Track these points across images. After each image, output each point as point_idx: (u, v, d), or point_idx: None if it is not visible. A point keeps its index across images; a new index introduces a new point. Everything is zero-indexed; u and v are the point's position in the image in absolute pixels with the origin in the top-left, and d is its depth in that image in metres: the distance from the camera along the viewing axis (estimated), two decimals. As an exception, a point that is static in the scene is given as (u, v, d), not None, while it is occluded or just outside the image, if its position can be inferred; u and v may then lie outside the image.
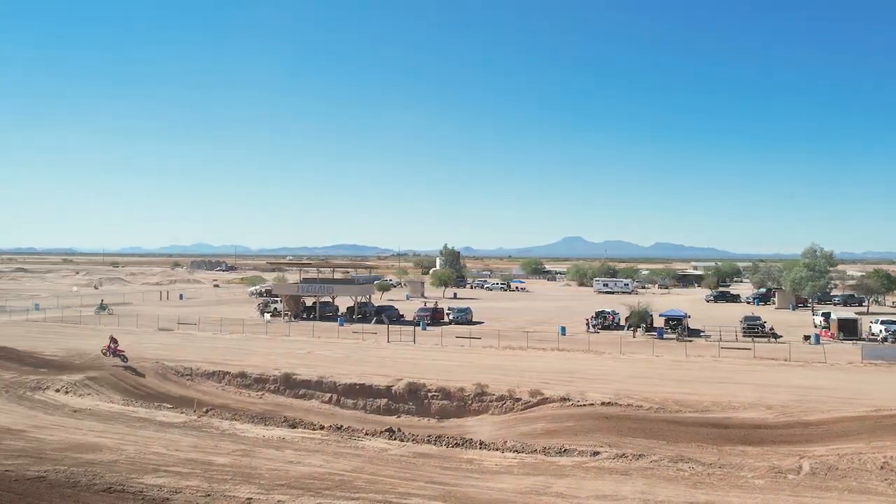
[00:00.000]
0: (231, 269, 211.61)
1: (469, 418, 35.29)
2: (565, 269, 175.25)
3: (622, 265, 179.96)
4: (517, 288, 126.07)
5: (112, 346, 44.34)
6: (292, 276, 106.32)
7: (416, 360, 45.44)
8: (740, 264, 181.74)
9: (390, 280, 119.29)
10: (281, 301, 72.87)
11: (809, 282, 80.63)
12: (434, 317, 65.93)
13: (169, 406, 32.86)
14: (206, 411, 31.53)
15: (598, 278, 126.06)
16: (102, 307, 73.07)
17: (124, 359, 43.05)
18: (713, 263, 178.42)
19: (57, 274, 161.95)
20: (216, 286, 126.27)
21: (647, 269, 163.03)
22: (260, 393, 39.24)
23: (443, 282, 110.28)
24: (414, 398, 36.78)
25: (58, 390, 35.10)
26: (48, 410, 31.66)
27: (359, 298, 70.22)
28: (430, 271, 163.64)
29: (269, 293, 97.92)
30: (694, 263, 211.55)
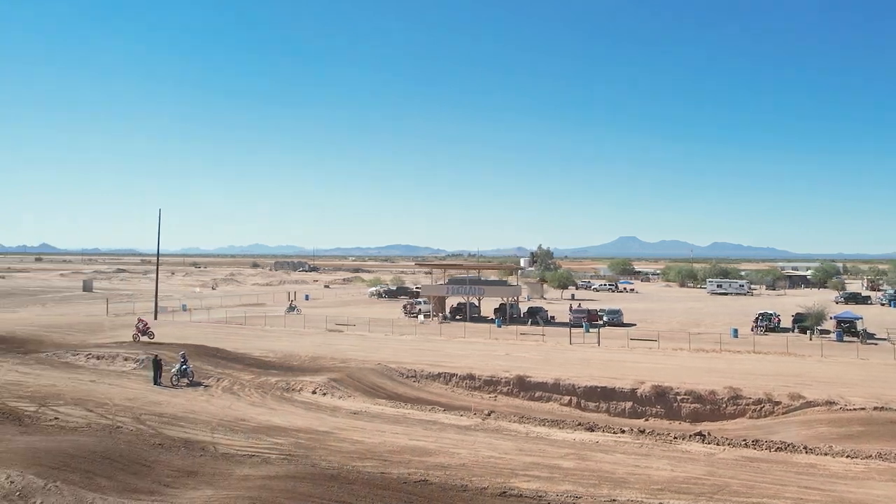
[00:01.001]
0: (314, 269, 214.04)
1: (726, 422, 34.59)
2: (658, 270, 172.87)
3: (678, 264, 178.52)
4: (625, 289, 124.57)
5: (140, 325, 49.99)
6: (407, 277, 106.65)
7: (620, 362, 44.86)
8: (809, 264, 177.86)
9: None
10: (426, 302, 73.17)
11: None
12: (589, 318, 65.25)
13: (442, 409, 32.90)
14: (489, 414, 31.48)
15: (710, 279, 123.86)
16: (292, 308, 74.67)
17: (151, 335, 48.86)
18: (817, 264, 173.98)
19: (164, 274, 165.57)
20: (326, 287, 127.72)
21: (743, 270, 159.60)
22: (492, 395, 39.16)
23: (561, 283, 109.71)
24: (662, 401, 36.26)
25: (313, 392, 35.49)
26: (325, 412, 32.03)
27: (509, 300, 70.01)
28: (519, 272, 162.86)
29: (397, 292, 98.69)
30: (781, 265, 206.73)
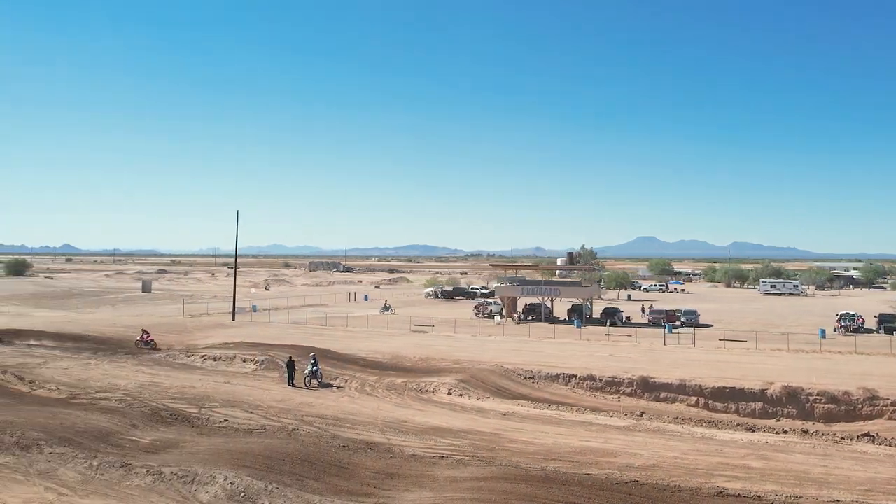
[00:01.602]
0: (348, 269, 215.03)
1: (863, 423, 34.50)
2: (699, 270, 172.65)
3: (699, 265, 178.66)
4: (675, 289, 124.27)
5: (144, 336, 51.01)
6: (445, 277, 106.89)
7: (725, 362, 44.77)
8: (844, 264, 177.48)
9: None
10: (497, 303, 73.48)
11: None
12: (668, 319, 65.31)
13: (589, 410, 33.20)
14: (640, 415, 31.72)
15: (764, 279, 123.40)
16: (386, 308, 75.58)
17: (153, 344, 49.87)
18: (845, 263, 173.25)
19: (205, 275, 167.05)
20: (377, 287, 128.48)
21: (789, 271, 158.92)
22: (615, 396, 39.34)
23: (619, 284, 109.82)
24: (793, 402, 36.32)
25: (448, 393, 35.88)
26: (472, 412, 32.39)
27: (584, 300, 70.16)
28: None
29: (453, 293, 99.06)
30: (819, 264, 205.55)
